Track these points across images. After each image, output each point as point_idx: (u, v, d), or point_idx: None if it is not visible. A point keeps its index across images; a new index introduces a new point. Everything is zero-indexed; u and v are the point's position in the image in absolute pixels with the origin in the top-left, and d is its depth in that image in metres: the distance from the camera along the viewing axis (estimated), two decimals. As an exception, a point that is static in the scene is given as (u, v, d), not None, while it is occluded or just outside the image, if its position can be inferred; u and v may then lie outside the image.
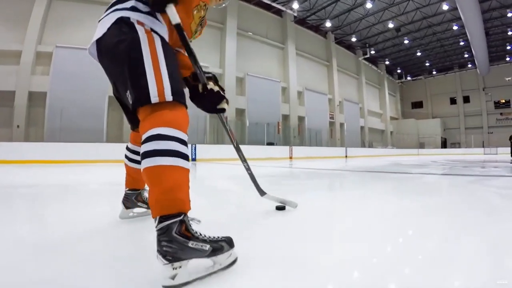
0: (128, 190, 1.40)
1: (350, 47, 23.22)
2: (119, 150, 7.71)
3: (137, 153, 1.31)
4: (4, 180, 3.57)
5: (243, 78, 15.24)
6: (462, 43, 20.80)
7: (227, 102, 1.09)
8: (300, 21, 18.91)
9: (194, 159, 9.01)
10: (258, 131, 13.63)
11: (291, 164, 8.02)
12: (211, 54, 13.90)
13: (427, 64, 26.14)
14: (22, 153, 7.36)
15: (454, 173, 4.23)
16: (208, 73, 1.12)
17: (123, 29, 0.89)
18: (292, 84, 17.57)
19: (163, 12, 0.88)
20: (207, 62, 13.21)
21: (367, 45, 22.76)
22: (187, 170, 0.83)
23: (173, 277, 0.70)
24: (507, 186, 2.75)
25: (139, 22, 0.89)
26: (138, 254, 0.96)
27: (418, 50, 23.17)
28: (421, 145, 24.81)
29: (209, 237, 0.79)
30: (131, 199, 1.40)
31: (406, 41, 21.34)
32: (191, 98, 1.08)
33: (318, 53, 20.40)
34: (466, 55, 23.14)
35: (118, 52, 0.87)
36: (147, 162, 0.79)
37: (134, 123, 1.20)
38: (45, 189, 2.85)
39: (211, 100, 1.05)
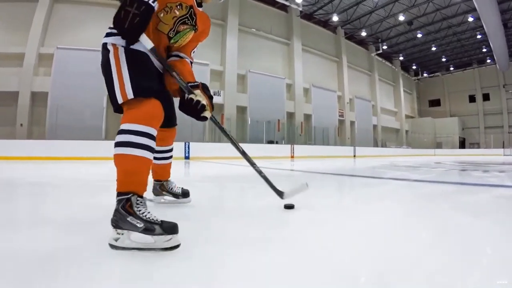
0: (154, 181, 1.76)
1: (361, 42, 23.10)
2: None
3: (157, 151, 1.59)
4: (11, 175, 4.04)
5: (245, 75, 15.61)
6: (479, 37, 20.23)
7: (211, 109, 1.24)
8: (307, 16, 19.06)
9: (187, 157, 9.44)
10: (260, 129, 13.96)
11: (286, 163, 8.11)
12: (212, 51, 14.33)
13: (444, 59, 25.66)
14: (25, 150, 7.95)
15: (436, 180, 3.58)
16: (195, 82, 1.26)
17: (103, 52, 1.15)
18: (297, 80, 17.78)
19: (137, 42, 1.09)
20: (208, 59, 13.70)
21: (379, 40, 22.59)
22: (141, 158, 1.03)
23: (116, 240, 0.96)
24: (480, 205, 1.93)
25: (112, 44, 1.13)
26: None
27: (433, 45, 22.77)
28: (438, 145, 24.33)
29: (149, 218, 0.97)
30: (156, 188, 1.76)
31: (419, 35, 21.00)
32: (179, 106, 1.24)
33: (326, 49, 20.48)
34: (484, 50, 22.52)
35: (102, 71, 1.16)
36: (114, 151, 1.05)
37: None
38: (50, 182, 3.26)
39: (191, 110, 1.19)
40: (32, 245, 1.02)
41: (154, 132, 1.08)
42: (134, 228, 0.96)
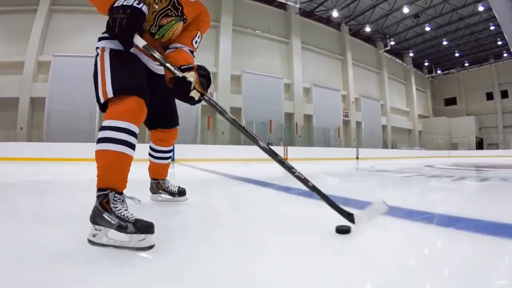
0: (151, 179, 1.96)
1: (368, 39, 23.60)
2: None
3: (153, 150, 1.83)
4: (12, 175, 4.82)
5: (240, 76, 16.60)
6: (492, 28, 20.40)
7: (201, 88, 1.23)
8: (308, 13, 19.75)
9: (172, 159, 10.43)
10: (256, 130, 14.96)
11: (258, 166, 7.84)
12: (205, 53, 15.41)
13: (457, 55, 25.91)
14: (25, 152, 9.18)
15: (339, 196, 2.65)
16: (189, 65, 1.29)
17: (95, 57, 1.31)
18: (296, 80, 18.56)
19: (133, 46, 1.21)
20: (201, 61, 14.74)
21: (387, 36, 23.02)
22: (119, 153, 1.12)
23: (94, 236, 1.04)
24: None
25: (101, 48, 1.29)
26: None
27: (445, 39, 23.10)
28: (454, 146, 24.58)
29: (124, 215, 1.03)
30: (153, 186, 1.94)
31: (427, 28, 21.36)
32: (173, 94, 1.28)
33: (330, 47, 21.15)
34: (500, 42, 22.54)
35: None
36: (95, 147, 1.14)
37: (148, 125, 1.72)
38: (48, 181, 3.93)
39: (177, 88, 1.22)
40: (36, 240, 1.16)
41: (134, 128, 1.16)
42: (109, 224, 1.03)
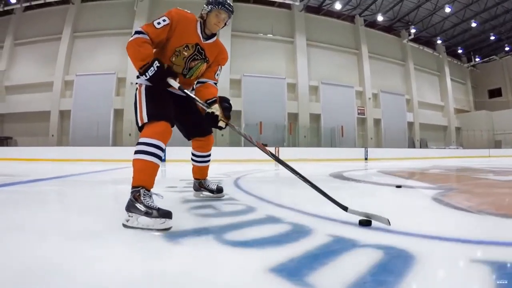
0: (194, 179, 2.91)
1: (390, 29, 25.52)
2: (121, 152, 15.22)
3: (194, 155, 2.80)
4: (48, 171, 7.32)
5: (240, 80, 20.02)
6: None
7: (226, 118, 2.13)
8: (316, 9, 22.92)
9: (163, 160, 12.28)
10: (253, 132, 17.62)
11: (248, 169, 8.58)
12: (204, 62, 20.11)
13: (492, 37, 26.09)
14: (56, 154, 13.55)
15: None
16: (212, 98, 2.24)
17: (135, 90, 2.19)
18: (301, 79, 21.36)
19: (168, 87, 2.07)
20: (201, 70, 19.48)
21: (409, 23, 24.69)
22: (148, 161, 1.88)
23: (127, 220, 1.72)
24: None
25: (139, 84, 2.16)
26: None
27: (473, 21, 23.63)
28: (497, 144, 25.32)
29: (150, 205, 1.72)
30: (196, 185, 2.90)
31: (448, 9, 22.16)
32: (205, 121, 2.25)
33: (342, 41, 23.72)
34: None
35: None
36: (132, 157, 1.91)
37: (186, 137, 2.70)
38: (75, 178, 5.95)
39: (209, 120, 2.14)
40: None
41: (161, 144, 1.93)
42: (139, 211, 1.71)
